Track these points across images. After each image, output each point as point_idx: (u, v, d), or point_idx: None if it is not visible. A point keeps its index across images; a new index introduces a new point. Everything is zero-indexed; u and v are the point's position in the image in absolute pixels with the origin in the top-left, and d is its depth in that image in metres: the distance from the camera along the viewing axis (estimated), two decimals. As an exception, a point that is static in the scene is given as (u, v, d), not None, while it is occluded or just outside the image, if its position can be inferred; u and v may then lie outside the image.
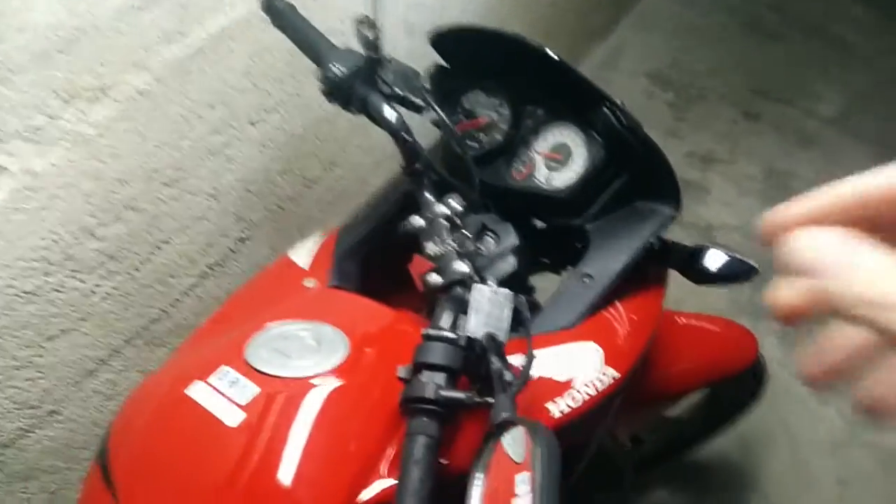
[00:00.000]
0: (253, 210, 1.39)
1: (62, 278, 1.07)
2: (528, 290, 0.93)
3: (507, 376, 0.65)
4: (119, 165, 1.09)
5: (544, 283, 1.01)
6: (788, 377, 1.67)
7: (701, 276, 0.86)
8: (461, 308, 0.71)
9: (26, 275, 1.01)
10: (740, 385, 1.25)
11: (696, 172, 2.33)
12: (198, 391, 0.69)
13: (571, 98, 0.89)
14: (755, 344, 1.17)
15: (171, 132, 1.15)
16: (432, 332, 0.67)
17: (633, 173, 0.89)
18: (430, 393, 0.63)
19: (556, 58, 0.84)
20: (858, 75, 2.65)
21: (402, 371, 0.67)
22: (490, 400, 0.63)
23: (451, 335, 0.67)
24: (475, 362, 0.67)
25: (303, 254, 0.96)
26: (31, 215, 0.99)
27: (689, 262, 0.88)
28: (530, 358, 0.66)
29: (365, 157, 1.66)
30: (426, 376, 0.64)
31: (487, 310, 0.69)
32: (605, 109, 0.84)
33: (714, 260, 0.87)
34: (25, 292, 1.02)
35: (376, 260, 0.98)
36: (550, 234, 0.95)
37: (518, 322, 0.76)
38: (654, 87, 2.64)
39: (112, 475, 0.68)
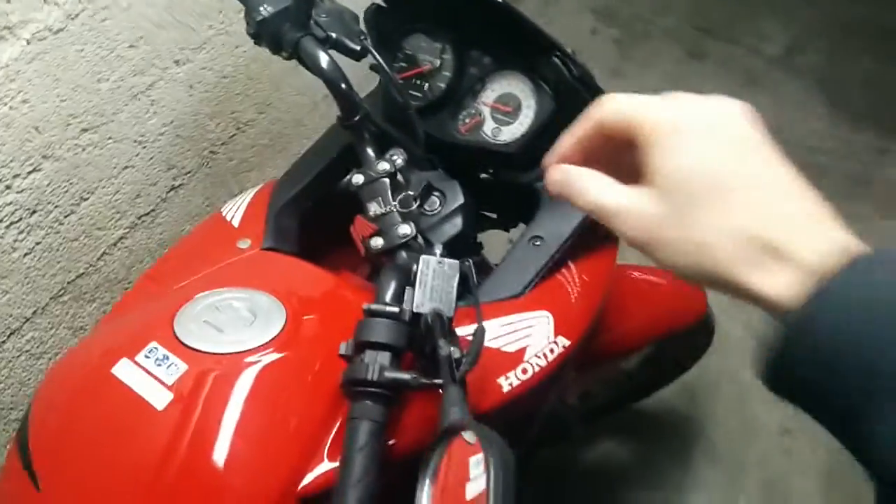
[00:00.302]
0: (184, 156, 1.31)
1: (-25, 235, 0.99)
2: (475, 250, 0.91)
3: (455, 353, 0.62)
4: (31, 111, 1.00)
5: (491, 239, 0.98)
6: (735, 327, 1.70)
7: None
8: (406, 278, 0.68)
9: (-68, 233, 0.93)
10: (690, 338, 1.26)
11: (642, 111, 2.31)
12: (124, 370, 0.64)
13: (519, 45, 0.84)
14: (704, 297, 1.18)
15: (88, 74, 1.06)
16: (375, 307, 0.64)
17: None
18: (373, 375, 0.60)
19: (500, 1, 0.78)
20: (802, 11, 2.65)
21: (343, 348, 0.64)
22: (438, 381, 0.60)
23: (394, 310, 0.64)
24: (420, 339, 0.64)
25: (236, 210, 0.91)
26: (-68, 168, 0.90)
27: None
28: (480, 337, 0.63)
29: (301, 98, 1.58)
30: (369, 356, 0.61)
31: (433, 283, 0.66)
32: (555, 59, 0.80)
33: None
34: (-67, 251, 0.94)
35: (315, 217, 0.94)
36: (499, 190, 0.91)
37: (466, 289, 0.73)
38: (598, 24, 2.58)
39: (31, 458, 0.64)
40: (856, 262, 0.35)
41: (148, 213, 1.28)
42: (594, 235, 0.88)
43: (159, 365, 0.64)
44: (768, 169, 0.39)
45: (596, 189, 0.44)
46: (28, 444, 0.64)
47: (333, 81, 0.78)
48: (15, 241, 1.05)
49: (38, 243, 1.09)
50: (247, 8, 0.80)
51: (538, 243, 0.81)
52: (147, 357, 0.65)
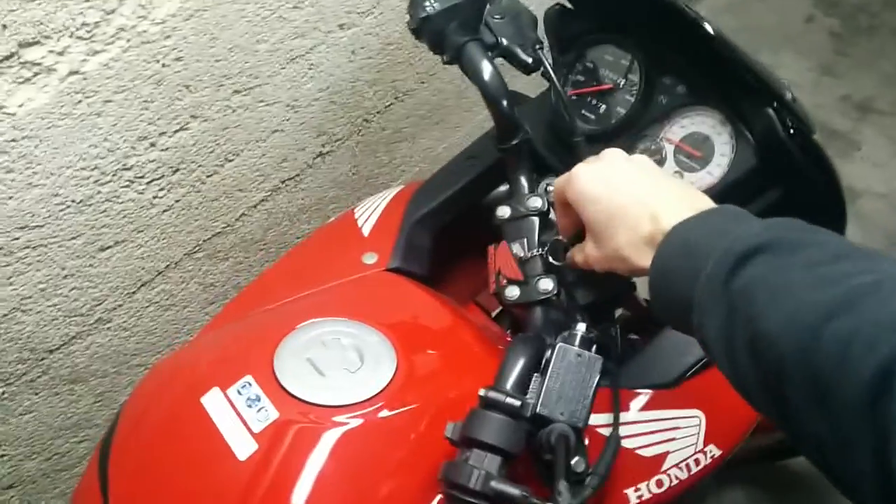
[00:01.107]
0: (336, 123, 1.25)
1: (117, 188, 0.98)
2: (627, 301, 0.78)
3: (580, 466, 0.51)
4: (184, 69, 0.96)
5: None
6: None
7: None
8: (535, 362, 0.57)
9: (76, 184, 0.93)
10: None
11: (848, 122, 2.00)
12: (213, 403, 0.59)
13: (726, 80, 0.68)
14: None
15: (247, 34, 1.01)
16: (493, 395, 0.53)
17: (790, 188, 0.68)
18: (476, 483, 0.50)
19: (714, 33, 0.62)
20: None
21: (450, 430, 0.54)
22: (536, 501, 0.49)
23: (514, 403, 0.53)
24: (540, 447, 0.53)
25: (370, 215, 0.83)
26: (80, 121, 0.88)
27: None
28: (613, 450, 0.52)
29: (469, 68, 1.47)
30: (475, 458, 0.51)
31: (566, 378, 0.54)
32: (770, 111, 0.63)
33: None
34: (75, 202, 0.94)
35: (453, 231, 0.84)
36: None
37: (606, 361, 0.61)
38: (816, 10, 2.25)
39: (108, 474, 0.61)
40: (675, 226, 0.53)
41: (292, 178, 1.24)
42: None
43: (250, 406, 0.58)
44: (643, 187, 0.57)
45: (575, 251, 0.63)
46: (108, 459, 0.61)
47: (494, 98, 0.68)
48: (154, 197, 1.03)
49: (177, 201, 1.07)
50: (411, 1, 0.69)
51: None
52: (239, 393, 0.59)
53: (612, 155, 0.60)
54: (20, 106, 0.81)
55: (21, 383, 1.03)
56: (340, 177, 1.35)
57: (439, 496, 0.57)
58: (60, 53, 0.82)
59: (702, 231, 0.51)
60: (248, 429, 0.57)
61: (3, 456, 1.08)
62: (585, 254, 0.60)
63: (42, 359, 1.04)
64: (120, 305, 1.10)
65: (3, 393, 1.02)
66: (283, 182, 1.24)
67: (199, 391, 0.60)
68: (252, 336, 0.67)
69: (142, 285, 1.11)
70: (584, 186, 0.58)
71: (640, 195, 0.56)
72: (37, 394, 1.06)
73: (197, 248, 1.16)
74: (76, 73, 0.84)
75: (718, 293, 0.46)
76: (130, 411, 0.65)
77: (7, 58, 0.78)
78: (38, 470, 1.15)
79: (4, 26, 0.76)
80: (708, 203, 0.55)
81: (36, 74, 0.81)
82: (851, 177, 1.91)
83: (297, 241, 1.35)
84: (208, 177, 1.09)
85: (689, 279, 0.49)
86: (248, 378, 0.60)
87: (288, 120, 1.16)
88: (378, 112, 1.34)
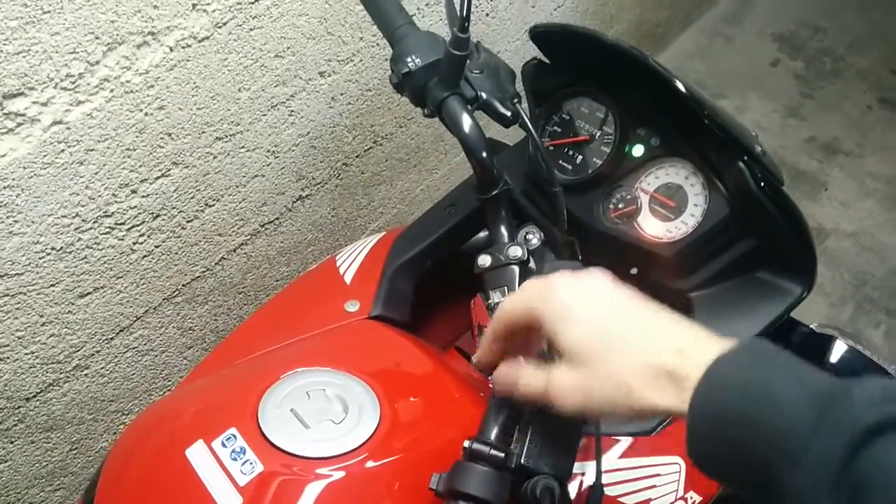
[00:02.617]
0: (316, 167, 1.26)
1: (97, 235, 0.98)
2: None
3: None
4: (167, 118, 0.97)
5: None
6: None
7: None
8: (518, 412, 0.58)
9: (55, 231, 0.93)
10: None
11: (814, 163, 2.07)
12: (198, 455, 0.59)
13: (698, 133, 0.71)
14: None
15: (230, 83, 1.02)
16: (476, 447, 0.54)
17: (761, 238, 0.71)
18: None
19: (685, 90, 0.65)
20: None
21: (435, 481, 0.55)
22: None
23: (499, 454, 0.54)
24: (525, 495, 0.54)
25: (351, 262, 0.84)
26: (62, 170, 0.89)
27: (810, 351, 0.71)
28: (598, 501, 0.53)
29: (446, 112, 1.50)
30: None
31: (551, 427, 0.55)
32: (742, 165, 0.66)
33: (839, 355, 0.70)
34: (55, 249, 0.94)
35: (433, 276, 0.85)
36: (644, 285, 0.79)
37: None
38: (781, 54, 2.33)
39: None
40: (719, 359, 0.44)
41: (272, 222, 1.25)
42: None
43: (234, 459, 0.58)
44: (646, 315, 0.49)
45: (526, 379, 0.52)
46: (92, 509, 0.60)
47: (474, 150, 0.69)
48: (135, 243, 1.03)
49: (157, 246, 1.07)
50: (394, 55, 0.71)
51: None
52: (224, 446, 0.59)
53: (601, 273, 0.52)
54: (2, 156, 0.82)
55: (-4, 432, 1.02)
56: (320, 219, 1.36)
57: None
58: (44, 104, 0.83)
59: (760, 369, 0.43)
60: (233, 482, 0.57)
61: (-26, 507, 1.06)
62: (552, 382, 0.49)
63: (18, 407, 1.02)
64: (98, 352, 1.09)
65: (-23, 443, 1.00)
66: (262, 226, 1.24)
67: (184, 443, 0.59)
68: (236, 387, 0.67)
69: (120, 331, 1.10)
70: (571, 300, 0.49)
71: (652, 321, 0.48)
72: (12, 442, 1.05)
73: (176, 293, 1.16)
74: (59, 122, 0.85)
75: (839, 475, 0.38)
76: (114, 463, 0.65)
77: (-9, 109, 0.79)
78: (11, 521, 1.13)
79: (-11, 79, 0.77)
80: (731, 340, 0.46)
81: (19, 125, 0.82)
82: (819, 216, 1.96)
83: (277, 284, 1.36)
84: (188, 222, 1.10)
85: (773, 440, 0.40)
86: (233, 430, 0.60)
87: (268, 165, 1.18)
88: (357, 156, 1.36)
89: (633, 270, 0.78)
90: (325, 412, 0.63)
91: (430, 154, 1.55)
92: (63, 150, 0.87)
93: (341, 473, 0.58)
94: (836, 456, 0.38)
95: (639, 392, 0.45)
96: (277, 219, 1.26)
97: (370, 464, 0.60)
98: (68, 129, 0.86)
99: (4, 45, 0.76)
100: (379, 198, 1.48)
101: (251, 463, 0.58)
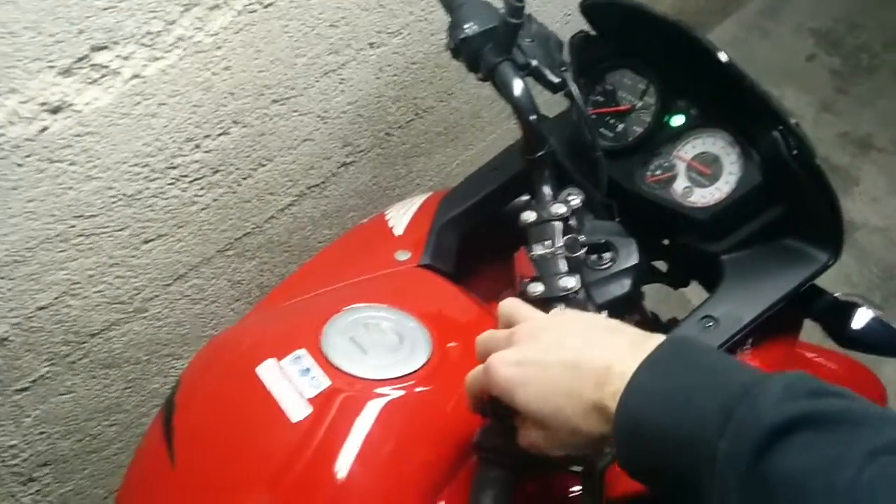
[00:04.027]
0: (360, 135, 1.33)
1: (164, 185, 1.05)
2: (637, 307, 0.84)
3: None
4: (231, 78, 1.04)
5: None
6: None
7: (844, 338, 0.75)
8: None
9: (127, 178, 1.00)
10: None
11: (847, 157, 2.09)
12: (268, 371, 0.65)
13: (736, 105, 0.76)
14: (881, 392, 1.04)
15: (288, 48, 1.09)
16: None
17: (791, 206, 0.76)
18: (507, 448, 0.57)
19: (727, 60, 0.70)
20: None
21: (481, 405, 0.61)
22: (575, 469, 0.56)
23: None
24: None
25: (401, 217, 0.90)
26: (137, 121, 0.96)
27: (833, 318, 0.76)
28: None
29: (482, 90, 1.54)
30: (507, 424, 0.58)
31: None
32: (776, 133, 0.71)
33: (864, 323, 0.75)
34: (126, 195, 1.01)
35: (475, 235, 0.91)
36: (676, 249, 0.84)
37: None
38: (818, 49, 2.35)
39: (172, 432, 0.67)
40: (638, 370, 0.47)
41: (318, 185, 1.32)
42: (773, 321, 0.79)
43: (302, 375, 0.65)
44: (574, 355, 0.51)
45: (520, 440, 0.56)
46: (172, 421, 0.67)
47: (524, 112, 0.75)
48: (195, 195, 1.10)
49: (214, 200, 1.14)
50: (452, 22, 0.77)
51: (710, 325, 0.74)
52: (292, 364, 0.66)
53: (525, 329, 0.54)
54: (87, 104, 0.89)
55: (64, 364, 1.09)
56: (361, 186, 1.42)
57: (463, 470, 0.63)
58: (125, 58, 0.90)
59: (681, 374, 0.46)
60: (301, 395, 0.64)
61: (42, 433, 1.14)
62: (531, 441, 0.53)
63: (84, 342, 1.10)
64: (156, 296, 1.16)
65: (48, 372, 1.08)
66: (309, 188, 1.31)
67: (255, 362, 0.66)
68: (300, 316, 0.74)
69: (177, 278, 1.18)
70: (505, 373, 0.52)
71: (579, 357, 0.50)
72: (77, 375, 1.13)
73: (228, 247, 1.23)
74: (138, 76, 0.92)
75: (747, 476, 0.39)
76: (189, 378, 0.72)
77: (80, 59, 0.86)
78: (71, 450, 1.21)
79: (81, 31, 0.84)
80: (652, 340, 0.49)
81: (103, 76, 0.89)
82: (849, 211, 1.99)
83: (319, 246, 1.42)
84: (244, 179, 1.17)
85: (688, 446, 0.43)
86: (301, 351, 0.66)
87: (318, 130, 1.24)
88: (399, 127, 1.42)
89: (665, 241, 0.83)
90: (382, 342, 0.69)
91: (467, 130, 1.60)
92: (139, 103, 0.94)
93: (398, 393, 0.65)
94: (742, 459, 0.39)
95: (586, 430, 0.48)
96: (323, 182, 1.33)
97: (423, 388, 0.66)
98: (145, 82, 0.93)
99: (95, 0, 0.83)
100: (417, 169, 1.54)
101: (317, 379, 0.65)
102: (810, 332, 0.85)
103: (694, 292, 0.95)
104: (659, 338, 0.49)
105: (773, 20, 2.41)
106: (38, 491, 1.22)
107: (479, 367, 0.56)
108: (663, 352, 0.47)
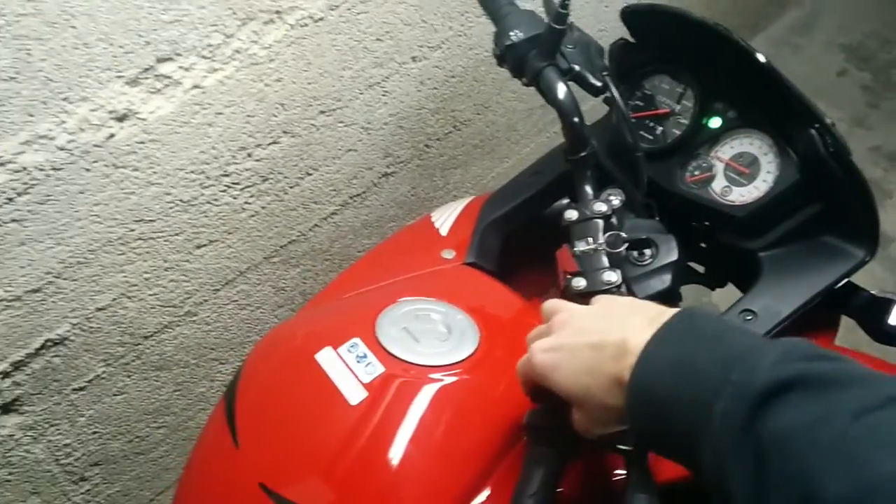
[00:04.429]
0: (401, 146, 1.37)
1: (217, 192, 1.10)
2: (675, 305, 0.87)
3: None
4: (282, 90, 1.09)
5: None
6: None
7: (881, 334, 0.76)
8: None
9: (184, 185, 1.05)
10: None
11: (879, 171, 2.09)
12: (326, 358, 0.69)
13: (773, 106, 0.79)
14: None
15: (336, 61, 1.14)
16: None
17: (827, 204, 0.78)
18: (555, 428, 0.59)
19: (765, 62, 0.73)
20: None
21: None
22: (623, 447, 0.59)
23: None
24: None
25: (446, 218, 0.93)
26: (195, 129, 1.01)
27: (870, 314, 0.78)
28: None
29: (518, 104, 1.59)
30: (556, 406, 0.61)
31: None
32: (813, 131, 0.74)
33: (902, 318, 0.77)
34: (182, 201, 1.06)
35: (517, 236, 0.94)
36: (714, 249, 0.87)
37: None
38: (848, 64, 2.36)
39: (235, 417, 0.71)
40: (650, 340, 0.50)
41: (359, 194, 1.36)
42: (810, 317, 0.81)
43: (359, 362, 0.68)
44: (598, 338, 0.54)
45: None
46: (235, 405, 0.71)
47: (568, 115, 0.78)
48: (246, 202, 1.15)
49: (263, 208, 1.19)
50: (498, 31, 0.81)
51: (749, 318, 0.76)
52: (349, 351, 0.69)
53: (559, 318, 0.59)
54: (151, 113, 0.94)
55: (118, 365, 1.14)
56: (400, 197, 1.46)
57: (512, 454, 0.66)
58: (187, 69, 0.95)
59: (688, 342, 0.48)
60: (358, 379, 0.67)
61: (95, 433, 1.18)
62: (577, 424, 0.57)
63: (138, 344, 1.15)
64: (206, 300, 1.21)
65: (103, 372, 1.13)
66: (351, 198, 1.35)
67: (314, 349, 0.70)
68: (354, 309, 0.77)
69: (225, 283, 1.22)
70: (541, 359, 0.56)
71: (596, 338, 0.54)
72: (129, 377, 1.17)
73: (274, 254, 1.28)
74: (197, 87, 0.97)
75: (740, 435, 0.41)
76: (252, 364, 0.76)
77: (146, 70, 0.91)
78: (121, 451, 1.25)
79: (147, 43, 0.89)
80: (667, 314, 0.51)
81: (166, 86, 0.94)
82: (883, 223, 1.95)
83: (359, 255, 1.47)
84: (290, 188, 1.21)
85: (689, 409, 0.45)
86: (356, 340, 0.70)
87: (361, 140, 1.29)
88: (438, 139, 1.46)
89: (704, 232, 0.86)
90: (433, 332, 0.72)
91: (502, 143, 1.64)
92: (198, 112, 0.99)
93: (451, 379, 0.68)
94: (737, 419, 0.41)
95: (612, 403, 0.51)
96: (364, 192, 1.37)
97: (471, 375, 0.69)
98: (204, 93, 0.98)
99: (162, 14, 0.88)
100: (454, 181, 1.58)
101: (373, 365, 0.68)
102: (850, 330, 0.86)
103: (722, 298, 0.97)
104: (674, 312, 0.52)
105: (803, 36, 2.43)
106: (88, 491, 1.26)
107: (526, 355, 0.60)
108: (673, 324, 0.50)
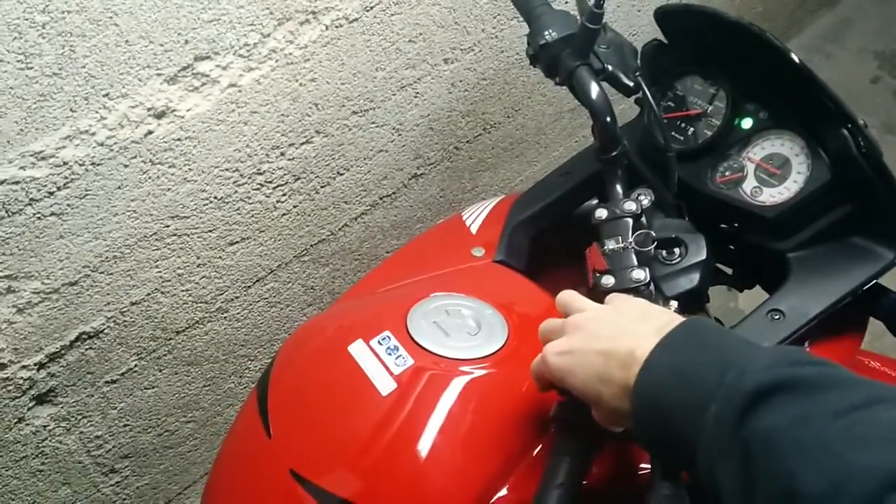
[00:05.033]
0: (431, 148, 1.38)
1: (250, 190, 1.12)
2: (702, 304, 0.87)
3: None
4: (316, 90, 1.11)
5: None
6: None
7: (909, 336, 0.76)
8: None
9: (219, 182, 1.07)
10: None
11: (913, 178, 2.06)
12: (358, 350, 0.70)
13: (805, 107, 0.78)
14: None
15: (369, 62, 1.16)
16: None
17: (858, 205, 0.78)
18: (581, 420, 0.60)
19: (798, 62, 0.73)
20: None
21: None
22: None
23: None
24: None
25: (476, 217, 0.94)
26: (231, 127, 1.03)
27: None
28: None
29: (547, 107, 1.60)
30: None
31: None
32: (845, 131, 0.74)
33: (929, 318, 0.76)
34: (216, 198, 1.08)
35: (546, 235, 0.95)
36: (743, 250, 0.87)
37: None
38: (882, 72, 2.33)
39: (268, 407, 0.72)
40: (656, 348, 0.51)
41: (389, 195, 1.37)
42: (838, 319, 0.80)
43: (390, 354, 0.69)
44: (609, 344, 0.55)
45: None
46: (267, 395, 0.72)
47: (600, 114, 0.79)
48: (278, 201, 1.17)
49: (294, 206, 1.21)
50: (532, 30, 0.82)
51: (777, 317, 0.76)
52: (380, 343, 0.70)
53: (574, 320, 0.60)
54: (188, 110, 0.96)
55: (150, 359, 1.16)
56: (429, 198, 1.48)
57: (537, 447, 0.67)
58: (224, 68, 0.97)
59: (689, 352, 0.50)
60: (389, 371, 0.68)
61: (125, 426, 1.21)
62: (597, 419, 0.58)
63: (170, 339, 1.17)
64: (237, 297, 1.23)
65: (136, 366, 1.15)
66: (381, 198, 1.37)
67: (346, 341, 0.71)
68: (386, 303, 0.78)
69: (256, 281, 1.24)
70: (556, 363, 0.58)
71: (606, 345, 0.55)
72: (161, 371, 1.19)
73: (304, 252, 1.29)
74: (234, 85, 0.99)
75: (730, 437, 0.43)
76: (285, 356, 0.77)
77: (184, 68, 0.93)
78: (150, 444, 1.27)
79: (186, 41, 0.91)
80: (672, 321, 0.54)
81: (203, 84, 0.96)
82: None
83: (387, 256, 1.48)
84: (322, 187, 1.23)
85: (688, 415, 0.46)
86: (388, 333, 0.71)
87: (392, 142, 1.30)
88: (468, 141, 1.47)
89: (733, 232, 0.86)
90: (463, 326, 0.73)
91: (531, 146, 1.65)
92: (233, 111, 1.01)
93: (480, 372, 0.69)
94: (728, 422, 0.43)
95: (623, 409, 0.53)
96: (394, 193, 1.38)
97: (499, 369, 0.70)
98: (240, 91, 1.00)
99: (201, 13, 0.91)
100: (482, 184, 1.59)
101: (403, 357, 0.69)
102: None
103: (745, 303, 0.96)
104: (681, 321, 0.53)
105: (835, 43, 2.41)
106: (117, 483, 1.28)
107: (539, 355, 0.61)
108: (677, 333, 0.52)
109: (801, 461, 0.39)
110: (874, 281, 0.78)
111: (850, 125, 0.74)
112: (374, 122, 1.23)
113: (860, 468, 0.37)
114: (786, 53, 0.73)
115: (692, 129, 0.88)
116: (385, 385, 0.67)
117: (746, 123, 0.84)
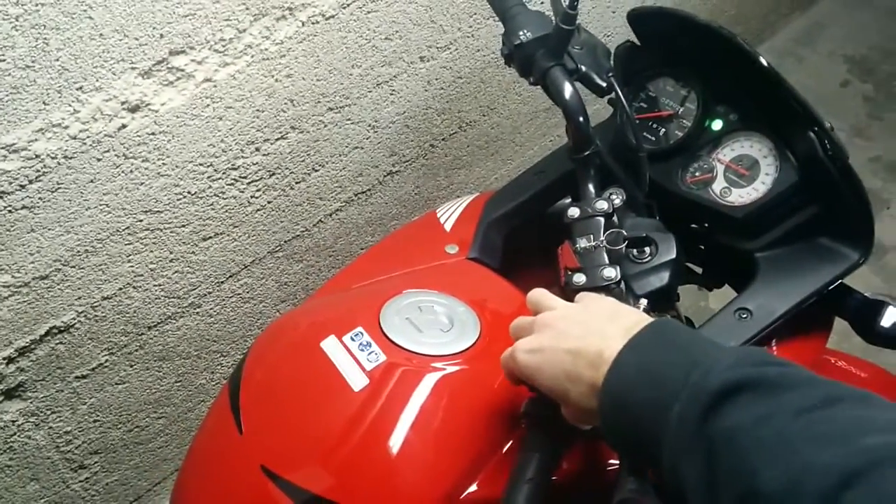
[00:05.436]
0: (407, 146, 1.39)
1: (224, 185, 1.12)
2: (672, 303, 0.88)
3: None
4: (292, 86, 1.10)
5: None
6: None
7: (873, 335, 0.78)
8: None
9: (193, 177, 1.06)
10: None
11: (878, 181, 2.11)
12: (331, 346, 0.70)
13: (773, 110, 0.80)
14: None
15: (345, 59, 1.16)
16: None
17: (824, 206, 0.80)
18: (552, 416, 0.61)
19: (767, 66, 0.75)
20: None
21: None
22: None
23: None
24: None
25: (450, 214, 0.95)
26: (205, 122, 1.03)
27: (862, 316, 0.79)
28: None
29: (523, 106, 1.61)
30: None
31: None
32: (812, 134, 0.75)
33: (893, 321, 0.78)
34: (190, 193, 1.08)
35: (519, 233, 0.96)
36: (712, 249, 0.88)
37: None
38: (851, 76, 2.38)
39: (240, 403, 0.72)
40: (623, 349, 0.52)
41: (364, 192, 1.38)
42: (804, 319, 0.82)
43: (362, 350, 0.70)
44: (577, 343, 0.56)
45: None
46: (239, 391, 0.72)
47: (574, 114, 0.79)
48: (252, 196, 1.17)
49: (269, 202, 1.20)
50: (507, 30, 0.83)
51: (744, 316, 0.77)
52: (353, 339, 0.71)
53: (543, 319, 0.61)
54: (162, 105, 0.96)
55: (121, 354, 1.15)
56: (404, 195, 1.48)
57: (507, 444, 0.67)
58: (199, 63, 0.97)
59: (656, 352, 0.51)
60: (361, 367, 0.68)
61: (95, 421, 1.20)
62: (566, 417, 0.59)
63: (141, 334, 1.16)
64: (210, 293, 1.22)
65: (106, 361, 1.14)
66: (356, 195, 1.37)
67: (319, 337, 0.71)
68: (359, 299, 0.79)
69: (229, 276, 1.24)
70: (524, 361, 0.59)
71: (574, 344, 0.56)
72: (132, 366, 1.18)
73: (278, 248, 1.29)
74: (209, 80, 0.99)
75: (694, 435, 0.43)
76: (257, 352, 0.77)
77: (159, 62, 0.93)
78: (120, 440, 1.26)
79: (161, 35, 0.91)
80: (641, 321, 0.54)
81: (178, 79, 0.96)
82: (880, 233, 1.96)
83: (361, 252, 1.48)
84: (297, 183, 1.23)
85: (653, 415, 0.47)
86: (360, 329, 0.71)
87: (368, 138, 1.30)
88: (443, 139, 1.48)
89: (701, 232, 0.87)
90: (435, 323, 0.74)
91: (507, 145, 1.66)
92: (208, 105, 1.01)
93: (452, 369, 0.69)
94: (691, 421, 0.44)
95: (590, 408, 0.54)
96: (369, 190, 1.39)
97: (470, 366, 0.71)
98: (215, 86, 1.00)
99: (177, 7, 0.90)
100: (458, 181, 1.60)
101: (376, 353, 0.69)
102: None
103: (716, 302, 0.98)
104: (649, 322, 0.54)
105: (807, 47, 2.45)
106: (86, 479, 1.27)
107: (509, 350, 0.62)
108: (644, 334, 0.53)
109: (762, 459, 0.40)
110: (840, 281, 0.80)
111: (816, 128, 0.75)
112: (349, 119, 1.23)
113: (819, 466, 0.38)
114: (755, 57, 0.75)
115: (664, 129, 0.89)
116: (357, 381, 0.67)
117: (717, 125, 0.86)
